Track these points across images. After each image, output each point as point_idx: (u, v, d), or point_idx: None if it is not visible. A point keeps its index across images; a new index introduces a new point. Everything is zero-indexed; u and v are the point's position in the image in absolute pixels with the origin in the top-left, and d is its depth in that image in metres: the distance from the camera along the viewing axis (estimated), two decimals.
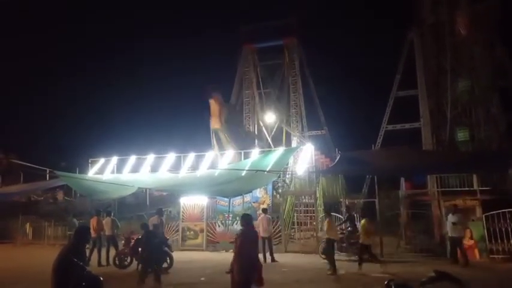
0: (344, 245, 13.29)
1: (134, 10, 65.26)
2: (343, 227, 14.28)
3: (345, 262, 12.25)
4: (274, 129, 27.12)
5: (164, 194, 20.00)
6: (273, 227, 15.04)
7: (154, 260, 10.48)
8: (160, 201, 18.62)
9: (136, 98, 59.20)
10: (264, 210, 14.25)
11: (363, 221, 11.90)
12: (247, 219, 6.12)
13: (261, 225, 13.63)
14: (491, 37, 19.90)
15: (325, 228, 11.84)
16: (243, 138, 24.83)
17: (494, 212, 12.71)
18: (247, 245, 5.61)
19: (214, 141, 23.32)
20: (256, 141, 25.74)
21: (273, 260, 13.21)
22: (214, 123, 22.95)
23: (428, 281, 3.58)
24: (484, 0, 19.60)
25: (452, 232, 12.03)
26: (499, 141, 18.81)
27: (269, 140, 26.19)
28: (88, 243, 8.78)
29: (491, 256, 12.60)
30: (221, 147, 22.53)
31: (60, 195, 24.13)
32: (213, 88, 23.05)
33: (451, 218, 12.15)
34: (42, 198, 23.60)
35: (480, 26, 19.28)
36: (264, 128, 27.20)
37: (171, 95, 59.04)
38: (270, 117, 27.07)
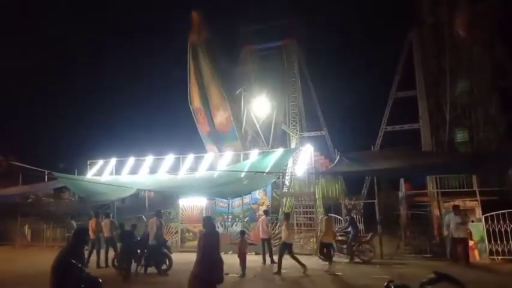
0: (345, 246, 13.23)
1: (134, 10, 65.18)
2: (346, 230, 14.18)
3: (345, 264, 12.22)
4: (261, 121, 25.53)
5: (152, 194, 19.07)
6: (272, 229, 15.00)
7: (128, 257, 11.08)
8: (159, 203, 18.52)
9: (135, 99, 59.03)
10: (265, 212, 14.21)
11: (324, 220, 11.90)
12: (209, 221, 6.29)
13: (260, 227, 13.63)
14: (491, 37, 19.88)
15: (283, 231, 11.82)
16: (229, 67, 22.38)
17: (493, 212, 12.70)
18: (210, 245, 5.81)
19: (190, 57, 20.84)
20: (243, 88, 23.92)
21: (272, 261, 13.16)
22: (194, 35, 20.33)
23: (428, 282, 3.55)
24: (484, 0, 19.59)
25: (457, 233, 11.97)
26: (498, 142, 18.79)
27: (263, 139, 25.00)
28: (86, 245, 8.76)
29: (490, 257, 12.57)
30: (197, 68, 20.43)
31: (65, 196, 24.03)
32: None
33: (454, 218, 12.08)
34: (32, 200, 23.26)
35: (480, 26, 19.26)
36: (260, 130, 26.55)
37: (171, 96, 58.96)
38: (265, 114, 26.37)
